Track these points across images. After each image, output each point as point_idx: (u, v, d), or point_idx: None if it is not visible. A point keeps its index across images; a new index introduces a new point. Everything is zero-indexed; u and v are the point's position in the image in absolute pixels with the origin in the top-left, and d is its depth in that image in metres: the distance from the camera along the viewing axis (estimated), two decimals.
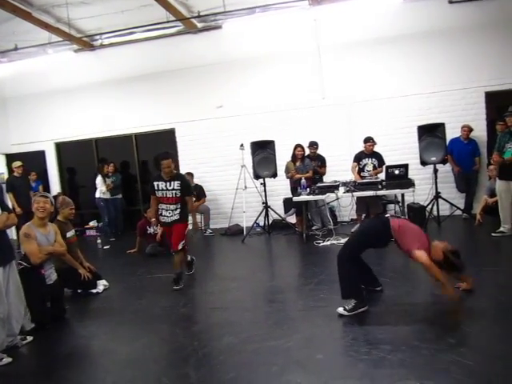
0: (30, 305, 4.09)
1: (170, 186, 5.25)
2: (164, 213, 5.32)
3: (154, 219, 5.74)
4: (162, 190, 5.26)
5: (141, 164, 9.92)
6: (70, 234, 5.23)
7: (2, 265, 3.61)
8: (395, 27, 7.91)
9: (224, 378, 3.03)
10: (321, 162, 7.86)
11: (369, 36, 8.12)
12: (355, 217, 7.94)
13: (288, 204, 8.33)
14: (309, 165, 7.63)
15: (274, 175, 7.74)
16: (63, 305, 4.50)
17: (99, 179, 8.81)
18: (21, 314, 3.93)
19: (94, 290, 5.20)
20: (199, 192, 8.61)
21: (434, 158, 7.15)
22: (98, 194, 8.79)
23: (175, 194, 5.26)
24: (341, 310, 3.89)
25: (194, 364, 3.26)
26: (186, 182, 5.48)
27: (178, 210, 5.30)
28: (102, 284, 5.31)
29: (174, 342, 3.76)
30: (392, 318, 3.72)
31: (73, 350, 3.95)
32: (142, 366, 3.33)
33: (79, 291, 5.25)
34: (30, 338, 3.97)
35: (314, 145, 7.79)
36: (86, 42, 8.70)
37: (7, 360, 3.55)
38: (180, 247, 5.27)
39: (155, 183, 5.30)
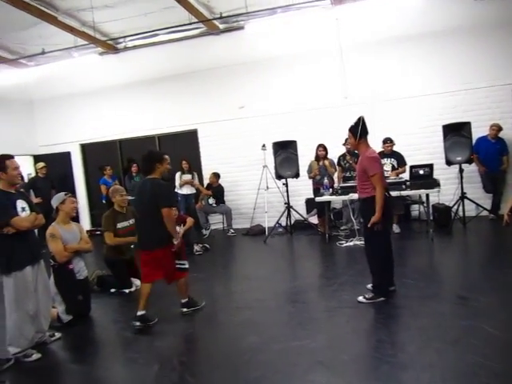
0: (64, 298, 4.28)
1: None
2: None
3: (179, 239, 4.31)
4: None
5: None
6: (123, 224, 5.30)
7: (31, 263, 3.71)
8: (419, 25, 7.78)
9: (249, 378, 3.04)
10: (356, 157, 7.71)
11: (391, 34, 8.02)
12: None
13: (310, 204, 8.30)
14: (332, 164, 7.57)
15: (297, 175, 7.72)
16: (89, 302, 4.59)
17: (178, 174, 8.72)
18: (49, 310, 4.04)
19: (126, 290, 5.28)
20: (222, 194, 8.71)
21: (459, 158, 7.00)
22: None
23: None
24: (361, 298, 4.17)
25: (218, 363, 3.28)
26: None
27: None
28: (135, 284, 5.36)
29: (198, 340, 3.79)
30: (417, 320, 3.66)
31: (98, 346, 4.04)
32: (167, 363, 3.37)
33: (112, 290, 5.32)
34: (58, 335, 4.07)
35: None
36: (110, 45, 8.83)
37: (37, 356, 3.66)
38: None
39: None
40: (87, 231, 8.16)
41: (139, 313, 4.10)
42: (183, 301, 4.45)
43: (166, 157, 4.38)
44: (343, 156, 7.72)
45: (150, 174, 4.22)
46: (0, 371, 3.45)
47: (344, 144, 7.68)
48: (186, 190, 8.65)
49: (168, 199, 4.19)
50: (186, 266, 4.39)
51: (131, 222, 5.36)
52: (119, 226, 5.29)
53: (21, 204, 3.67)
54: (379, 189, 4.04)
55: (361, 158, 4.27)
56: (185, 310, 4.44)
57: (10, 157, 3.67)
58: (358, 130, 4.24)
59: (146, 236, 4.17)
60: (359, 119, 4.29)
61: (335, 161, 7.74)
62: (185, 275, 4.38)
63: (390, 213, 4.37)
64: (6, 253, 3.56)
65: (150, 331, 4.12)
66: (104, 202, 8.64)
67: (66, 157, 10.49)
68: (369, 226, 4.09)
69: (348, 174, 7.63)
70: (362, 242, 6.49)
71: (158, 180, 4.20)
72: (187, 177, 8.65)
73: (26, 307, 3.63)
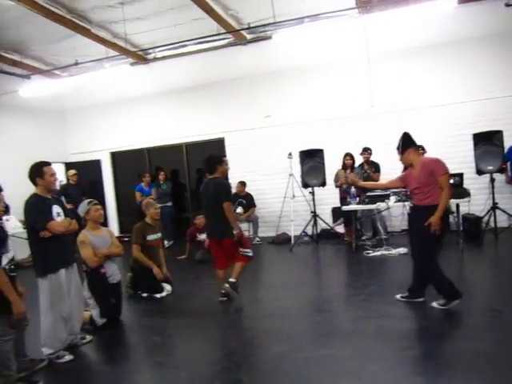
0: (97, 302, 4.40)
1: None
2: None
3: (238, 229, 4.83)
4: None
5: (192, 173, 10.11)
6: (152, 237, 5.51)
7: (65, 266, 3.82)
8: (447, 33, 7.70)
9: None
10: (375, 167, 7.72)
11: (418, 43, 7.97)
12: (406, 227, 7.74)
13: (336, 213, 8.26)
14: (359, 173, 7.53)
15: (323, 184, 7.71)
16: (121, 306, 4.68)
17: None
18: (81, 313, 4.14)
19: (158, 295, 5.36)
20: (249, 201, 8.72)
21: (490, 167, 6.87)
22: None
23: None
24: (434, 304, 4.13)
25: (246, 369, 3.30)
26: None
27: None
28: (166, 289, 5.46)
29: (226, 347, 3.81)
30: (447, 332, 3.59)
31: (128, 349, 4.11)
32: (196, 369, 3.40)
33: (144, 295, 5.43)
34: (89, 338, 4.16)
35: (367, 150, 7.68)
36: (140, 56, 9.05)
37: (69, 357, 3.75)
38: None
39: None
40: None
41: (231, 280, 4.85)
42: (231, 279, 4.91)
43: (225, 158, 5.01)
44: (361, 166, 7.67)
45: (212, 173, 4.89)
46: (34, 371, 3.54)
47: (361, 153, 7.64)
48: None
49: (227, 195, 4.83)
50: (251, 254, 4.97)
51: (159, 235, 5.65)
52: (149, 238, 5.48)
53: (56, 209, 3.79)
54: (447, 190, 3.99)
55: (421, 164, 4.19)
56: (227, 286, 4.88)
57: (48, 163, 3.80)
58: (400, 145, 4.32)
59: (214, 227, 4.88)
60: (401, 136, 4.40)
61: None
62: (246, 261, 4.92)
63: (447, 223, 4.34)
64: (42, 256, 3.68)
65: (180, 337, 4.18)
66: None
67: (96, 164, 10.77)
68: (431, 228, 4.00)
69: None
70: (389, 252, 6.49)
71: (219, 178, 4.85)
72: None
73: (60, 309, 3.73)
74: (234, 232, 4.74)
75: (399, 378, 2.95)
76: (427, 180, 4.07)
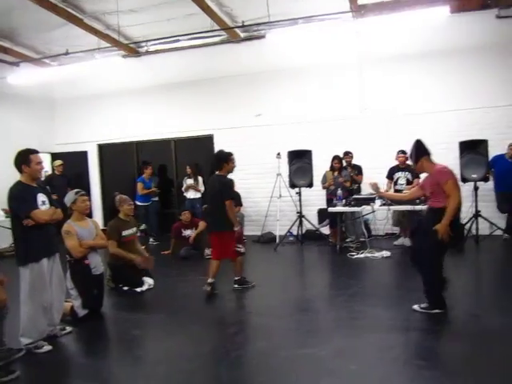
0: (80, 293, 4.36)
1: None
2: None
3: (239, 226, 5.21)
4: None
5: (179, 168, 10.05)
6: (127, 232, 5.47)
7: (47, 256, 3.78)
8: (440, 41, 7.80)
9: (255, 382, 3.05)
10: (357, 170, 7.80)
11: (412, 49, 8.05)
12: (390, 230, 7.85)
13: (322, 215, 8.29)
14: (347, 176, 7.59)
15: (310, 185, 7.74)
16: (102, 298, 4.65)
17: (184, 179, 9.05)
18: (62, 304, 4.10)
19: (138, 289, 5.33)
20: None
21: (474, 175, 6.98)
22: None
23: None
24: (416, 306, 4.17)
25: (226, 365, 3.30)
26: None
27: None
28: (147, 283, 5.44)
29: (206, 342, 3.80)
30: (426, 336, 3.64)
31: (108, 342, 4.09)
32: (175, 364, 3.40)
33: (125, 288, 5.39)
34: (69, 329, 4.13)
35: (348, 153, 7.76)
36: (132, 49, 8.98)
37: (47, 348, 3.71)
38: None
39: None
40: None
41: (209, 280, 5.07)
42: (236, 278, 5.27)
43: (233, 157, 5.18)
44: (345, 168, 7.73)
45: (218, 170, 5.12)
46: (11, 361, 3.49)
47: (343, 157, 7.70)
48: (190, 195, 8.89)
49: (229, 193, 5.09)
50: (242, 250, 5.24)
51: (134, 229, 5.64)
52: (124, 233, 5.44)
53: (41, 197, 3.75)
54: (453, 197, 3.95)
55: (431, 174, 4.22)
56: (236, 286, 5.25)
57: (35, 151, 3.76)
58: (414, 154, 4.30)
59: (214, 221, 5.12)
60: (413, 144, 4.35)
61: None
62: (237, 256, 5.18)
63: (459, 230, 4.31)
64: (25, 244, 3.63)
65: (160, 332, 4.17)
66: (137, 202, 8.60)
67: (82, 156, 10.65)
68: (439, 233, 3.97)
69: (351, 187, 7.62)
70: (373, 255, 6.56)
71: (223, 176, 5.09)
72: (190, 181, 8.91)
73: (40, 299, 3.68)
74: (235, 229, 5.02)
75: (379, 378, 2.98)
76: (436, 189, 4.10)
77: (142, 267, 5.44)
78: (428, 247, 4.12)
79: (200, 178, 8.98)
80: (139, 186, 8.81)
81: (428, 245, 4.11)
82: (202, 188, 8.91)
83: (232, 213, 5.01)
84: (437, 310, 4.09)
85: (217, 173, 5.13)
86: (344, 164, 7.74)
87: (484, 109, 7.85)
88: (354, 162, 7.86)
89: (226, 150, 9.47)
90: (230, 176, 5.28)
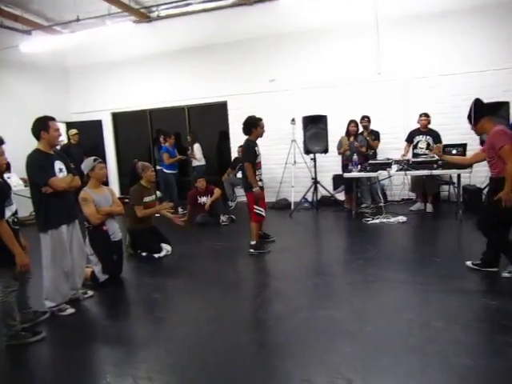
0: (100, 258, 4.47)
1: (260, 150, 5.44)
2: (261, 177, 5.42)
3: (257, 188, 5.22)
4: (259, 154, 5.38)
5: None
6: (148, 198, 5.57)
7: (66, 223, 3.84)
8: (459, 0, 7.49)
9: (274, 342, 3.12)
10: (374, 135, 7.67)
11: (430, 8, 7.76)
12: (406, 196, 7.78)
13: (337, 181, 8.25)
14: (363, 141, 7.48)
15: (325, 151, 7.65)
16: (122, 264, 4.75)
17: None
18: (83, 269, 4.20)
19: (156, 255, 5.43)
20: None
21: None
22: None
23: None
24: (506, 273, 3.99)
25: (245, 326, 3.38)
26: None
27: None
28: (165, 249, 5.53)
29: (225, 305, 3.88)
30: (443, 298, 3.66)
31: (129, 305, 4.20)
32: (195, 326, 3.48)
33: (143, 254, 5.52)
34: (90, 293, 4.25)
35: (365, 118, 7.63)
36: (143, 14, 8.84)
37: (71, 311, 3.83)
38: None
39: (256, 149, 5.33)
40: None
41: (251, 243, 5.32)
42: (252, 243, 5.34)
43: (261, 122, 5.37)
44: (361, 133, 7.63)
45: (248, 135, 5.38)
46: (37, 322, 3.63)
47: (360, 121, 7.57)
48: (195, 162, 9.17)
49: (246, 156, 5.31)
50: (262, 213, 5.37)
51: (154, 197, 5.72)
52: (146, 199, 5.53)
53: (58, 165, 3.79)
54: (510, 163, 3.70)
55: (488, 136, 4.00)
56: (251, 250, 5.32)
57: (53, 118, 3.78)
58: (472, 115, 4.05)
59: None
60: (472, 104, 4.08)
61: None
62: (258, 220, 5.37)
63: None
64: (44, 211, 3.70)
65: (180, 295, 4.26)
66: (165, 170, 8.76)
67: (97, 125, 10.67)
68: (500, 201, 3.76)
69: (366, 152, 7.54)
70: (389, 220, 6.53)
71: (248, 140, 5.36)
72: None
73: (61, 264, 3.78)
74: (253, 190, 5.19)
75: (394, 339, 3.02)
76: (492, 153, 3.89)
77: (176, 221, 5.72)
78: (493, 216, 3.94)
79: (196, 146, 9.06)
80: (165, 155, 8.72)
81: (493, 214, 3.93)
82: (198, 155, 9.05)
83: (250, 174, 5.18)
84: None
85: (247, 137, 5.38)
86: (361, 129, 7.62)
87: (507, 70, 7.58)
88: (371, 127, 7.72)
89: (240, 116, 9.50)
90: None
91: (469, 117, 4.13)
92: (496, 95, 7.20)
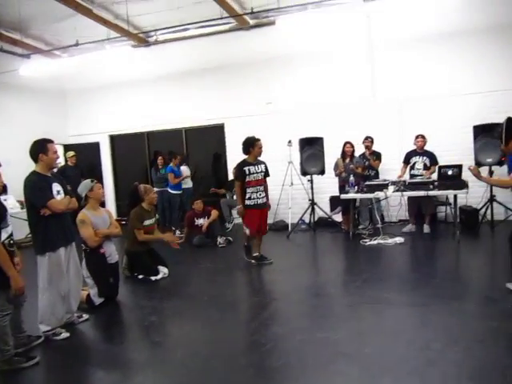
0: (96, 281, 4.42)
1: (258, 168, 5.71)
2: (254, 195, 5.67)
3: (240, 206, 5.65)
4: (253, 173, 5.65)
5: (190, 158, 10.04)
6: (149, 221, 5.54)
7: (64, 245, 3.82)
8: (452, 23, 7.65)
9: (272, 365, 3.07)
10: (376, 156, 7.73)
11: (424, 32, 7.91)
12: (403, 217, 7.79)
13: (334, 202, 8.26)
14: (358, 162, 7.54)
15: (322, 172, 7.70)
16: (118, 286, 4.71)
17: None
18: (79, 292, 4.16)
19: (153, 277, 5.37)
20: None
21: (489, 159, 6.88)
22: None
23: (263, 175, 5.75)
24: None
25: (243, 349, 3.34)
26: (266, 165, 5.93)
27: (264, 193, 5.76)
28: (162, 272, 5.47)
29: (222, 328, 3.83)
30: (443, 319, 3.63)
31: (124, 329, 4.15)
32: (192, 349, 3.44)
33: (140, 277, 5.45)
34: (85, 316, 4.19)
35: (368, 138, 7.69)
36: (141, 38, 8.96)
37: (66, 335, 3.78)
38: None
39: (246, 168, 5.63)
40: None
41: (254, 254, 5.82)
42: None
43: (258, 142, 5.69)
44: (363, 155, 7.70)
45: (247, 155, 5.73)
46: (31, 347, 3.57)
47: (363, 142, 7.65)
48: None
49: (236, 175, 5.76)
50: (247, 231, 5.75)
51: (153, 220, 5.69)
52: (146, 223, 5.50)
53: (56, 187, 3.79)
54: None
55: None
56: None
57: (51, 141, 3.81)
58: (503, 135, 4.02)
59: None
60: (503, 123, 4.05)
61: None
62: (246, 236, 5.85)
63: None
64: (42, 233, 3.68)
65: (176, 318, 4.21)
66: (171, 191, 8.72)
67: (95, 147, 10.72)
68: None
69: (367, 173, 7.61)
70: (386, 241, 6.53)
71: (241, 161, 5.73)
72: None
73: (58, 287, 3.74)
74: (237, 207, 5.71)
75: (393, 362, 2.98)
76: None
77: (174, 244, 5.68)
78: None
79: (183, 168, 9.06)
80: (171, 175, 8.67)
81: None
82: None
83: (237, 192, 5.66)
84: None
85: (245, 158, 5.72)
86: (361, 149, 7.69)
87: (499, 92, 7.71)
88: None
89: (237, 138, 9.56)
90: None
91: (499, 136, 4.11)
92: (492, 117, 7.30)
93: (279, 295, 4.62)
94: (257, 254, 5.86)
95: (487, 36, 7.72)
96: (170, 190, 8.76)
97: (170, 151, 9.18)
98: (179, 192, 8.81)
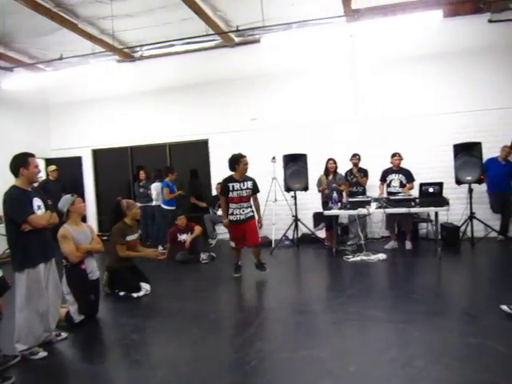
0: (76, 298, 4.32)
1: (244, 185, 5.78)
2: (236, 211, 5.77)
3: (226, 221, 5.84)
4: (237, 190, 5.73)
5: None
6: (131, 237, 5.45)
7: (44, 261, 3.75)
8: (434, 45, 7.88)
9: (258, 383, 3.03)
10: (363, 173, 7.81)
11: (406, 53, 8.13)
12: (386, 234, 7.86)
13: (318, 218, 8.31)
14: (341, 178, 7.62)
15: (306, 188, 7.74)
16: (98, 304, 4.61)
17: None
18: (58, 310, 4.06)
19: (135, 294, 5.29)
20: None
21: (469, 178, 7.02)
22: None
23: (248, 192, 5.79)
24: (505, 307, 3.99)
25: (226, 367, 3.29)
26: (255, 181, 5.99)
27: (250, 208, 5.81)
28: (144, 288, 5.38)
29: (205, 346, 3.77)
30: (425, 336, 3.65)
31: (105, 347, 4.05)
32: (174, 368, 3.37)
33: (121, 294, 5.35)
34: (64, 335, 4.09)
35: (355, 156, 7.78)
36: (126, 54, 8.98)
37: (43, 354, 3.67)
38: (259, 240, 6.06)
39: (230, 184, 5.74)
40: None
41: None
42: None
43: (243, 159, 5.76)
44: (350, 171, 7.80)
45: (233, 171, 5.82)
46: (7, 367, 3.46)
47: (350, 159, 7.76)
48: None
49: (221, 190, 5.94)
50: (232, 245, 6.02)
51: (137, 235, 5.61)
52: (128, 238, 5.42)
53: (37, 202, 3.73)
54: None
55: None
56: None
57: (32, 155, 3.75)
58: None
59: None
60: None
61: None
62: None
63: None
64: (21, 249, 3.60)
65: (158, 336, 4.14)
66: (164, 206, 8.54)
67: (77, 161, 10.60)
68: None
69: (354, 189, 7.69)
70: (369, 257, 6.56)
71: (229, 176, 5.83)
72: None
73: (36, 305, 3.65)
74: (223, 221, 5.95)
75: (377, 380, 2.98)
76: None
77: (162, 258, 5.65)
78: None
79: (155, 185, 9.02)
80: (166, 190, 8.52)
81: None
82: (154, 195, 9.02)
83: (222, 207, 5.90)
84: None
85: (231, 173, 5.84)
86: (348, 165, 7.79)
87: (478, 112, 7.93)
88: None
89: (221, 154, 9.59)
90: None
91: None
92: (469, 136, 7.50)
93: (263, 312, 4.59)
94: (255, 261, 6.07)
95: (469, 57, 7.96)
96: (162, 206, 8.58)
97: (166, 166, 9.08)
98: (173, 208, 8.66)
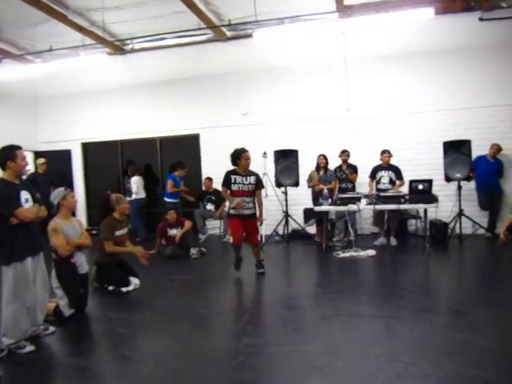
0: (66, 292, 4.29)
1: (247, 180, 5.66)
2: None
3: (237, 199, 5.56)
4: (239, 183, 5.63)
5: (165, 167, 9.93)
6: (120, 232, 5.40)
7: (32, 255, 3.71)
8: (424, 42, 7.91)
9: (243, 379, 3.03)
10: (353, 169, 7.84)
11: (397, 50, 8.15)
12: (375, 230, 7.91)
13: (308, 214, 8.33)
14: (332, 175, 7.64)
15: (296, 184, 7.76)
16: (87, 298, 4.58)
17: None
18: (45, 304, 4.02)
19: (124, 289, 5.25)
20: (219, 197, 8.62)
21: (458, 175, 7.08)
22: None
23: (250, 188, 5.65)
24: None
25: (214, 362, 3.29)
26: (259, 177, 5.90)
27: (252, 204, 5.68)
28: (133, 283, 5.35)
29: (193, 340, 3.77)
30: (412, 332, 3.68)
31: (93, 342, 4.03)
32: (162, 362, 3.36)
33: (110, 288, 5.31)
34: (52, 329, 4.06)
35: (344, 152, 7.82)
36: (117, 46, 8.89)
37: (30, 348, 3.64)
38: (259, 239, 5.99)
39: (232, 176, 5.66)
40: None
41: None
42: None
43: (244, 154, 5.65)
44: (339, 167, 7.82)
45: (235, 166, 5.73)
46: None
47: (340, 155, 7.78)
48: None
49: (223, 181, 5.76)
50: (230, 240, 6.09)
51: (126, 230, 5.55)
52: (117, 233, 5.37)
53: (24, 195, 3.68)
54: None
55: None
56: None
57: (19, 147, 3.70)
58: None
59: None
60: None
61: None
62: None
63: None
64: (8, 243, 3.55)
65: (147, 330, 4.13)
66: (166, 199, 8.52)
67: (66, 155, 10.50)
68: None
69: (344, 185, 7.72)
70: (358, 253, 6.60)
71: (233, 169, 5.75)
72: None
73: (23, 298, 3.61)
74: (232, 204, 5.67)
75: (364, 375, 3.00)
76: None
77: (142, 259, 5.31)
78: None
79: (135, 178, 9.09)
80: (170, 183, 8.48)
81: None
82: (134, 189, 9.05)
83: (225, 196, 5.80)
84: None
85: (233, 167, 5.76)
86: (337, 161, 7.81)
87: (468, 109, 7.98)
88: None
89: (212, 148, 9.58)
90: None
91: None
92: (458, 133, 7.56)
93: (252, 307, 4.60)
94: (255, 261, 5.95)
95: (459, 55, 8.01)
96: (165, 199, 8.54)
97: (178, 161, 8.81)
98: (175, 201, 8.59)
